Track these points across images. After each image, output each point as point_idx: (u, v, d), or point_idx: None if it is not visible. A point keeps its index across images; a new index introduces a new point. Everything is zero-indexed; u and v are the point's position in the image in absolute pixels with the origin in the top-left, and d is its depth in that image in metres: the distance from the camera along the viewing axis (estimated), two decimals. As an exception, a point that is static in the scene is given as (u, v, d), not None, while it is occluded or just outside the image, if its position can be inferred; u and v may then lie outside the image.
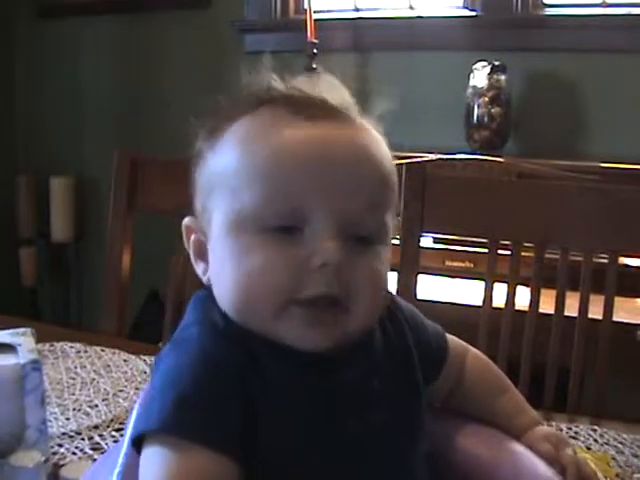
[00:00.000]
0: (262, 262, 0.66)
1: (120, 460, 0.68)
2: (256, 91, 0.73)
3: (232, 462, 0.61)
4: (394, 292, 1.48)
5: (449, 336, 0.85)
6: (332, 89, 0.73)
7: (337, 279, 0.66)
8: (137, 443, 0.64)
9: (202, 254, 0.74)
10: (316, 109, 0.70)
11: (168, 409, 0.62)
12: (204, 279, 0.74)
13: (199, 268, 0.75)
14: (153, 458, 0.62)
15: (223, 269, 0.69)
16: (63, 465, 1.02)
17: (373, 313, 0.70)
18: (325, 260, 0.65)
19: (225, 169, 0.70)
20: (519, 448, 0.75)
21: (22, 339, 0.98)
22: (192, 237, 0.75)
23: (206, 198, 0.72)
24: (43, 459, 0.89)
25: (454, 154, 2.31)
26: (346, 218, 0.67)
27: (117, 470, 0.67)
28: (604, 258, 1.47)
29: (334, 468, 0.67)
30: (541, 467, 0.71)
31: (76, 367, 1.43)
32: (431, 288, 2.09)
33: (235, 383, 0.64)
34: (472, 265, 2.15)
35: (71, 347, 1.52)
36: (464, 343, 0.87)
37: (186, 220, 0.76)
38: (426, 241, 2.12)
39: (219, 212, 0.70)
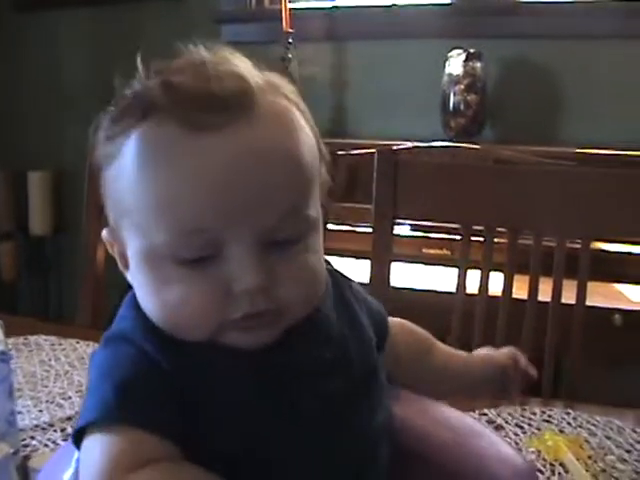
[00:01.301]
0: (182, 295, 0.64)
1: (73, 463, 0.68)
2: (139, 99, 0.66)
3: (171, 445, 0.61)
4: (367, 280, 1.50)
5: None
6: (224, 69, 0.65)
7: (262, 297, 0.64)
8: (78, 442, 0.64)
9: (126, 260, 0.71)
10: (208, 113, 0.62)
11: (105, 398, 0.62)
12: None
13: (128, 276, 0.71)
14: (90, 447, 0.62)
15: (145, 296, 0.67)
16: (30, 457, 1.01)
17: (311, 303, 0.69)
18: (245, 286, 0.63)
19: (128, 201, 0.65)
20: (483, 430, 0.75)
21: (-10, 331, 0.97)
22: (115, 248, 0.72)
23: (116, 218, 0.69)
24: (12, 451, 0.89)
25: (430, 142, 2.31)
26: (262, 232, 0.64)
27: (70, 472, 0.67)
28: (578, 243, 1.47)
29: (293, 445, 0.66)
30: (504, 448, 0.71)
31: (50, 360, 1.42)
32: (408, 276, 2.10)
33: (167, 375, 0.64)
34: (449, 252, 2.15)
35: (45, 340, 1.51)
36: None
37: (104, 233, 0.72)
38: (403, 229, 2.13)
39: (131, 242, 0.67)
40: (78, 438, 0.63)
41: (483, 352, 0.96)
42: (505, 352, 0.95)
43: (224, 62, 0.66)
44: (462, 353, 0.94)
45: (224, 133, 0.62)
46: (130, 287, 0.71)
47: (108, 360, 0.66)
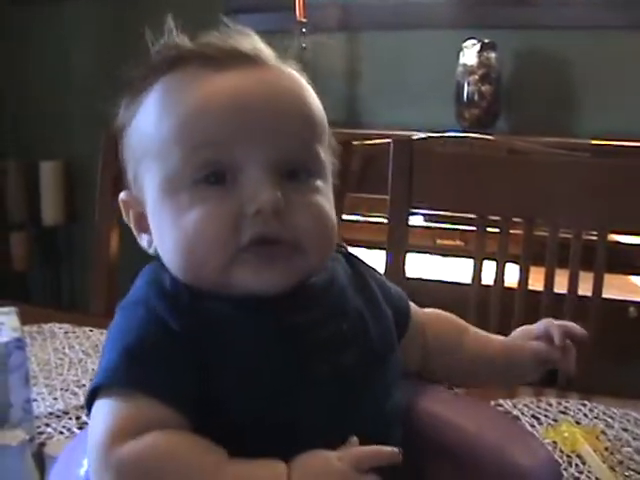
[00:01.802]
0: (199, 217, 0.66)
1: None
2: (166, 53, 0.72)
3: (178, 414, 0.61)
4: (382, 271, 1.49)
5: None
6: (242, 38, 0.72)
7: (276, 221, 0.65)
8: (90, 404, 0.64)
9: (143, 226, 0.73)
10: (228, 59, 0.69)
11: (115, 362, 0.63)
12: (150, 251, 0.74)
13: (143, 241, 0.74)
14: (100, 409, 0.62)
15: (163, 232, 0.69)
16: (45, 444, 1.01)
17: (326, 248, 0.70)
18: (259, 207, 0.65)
19: (150, 133, 0.69)
20: (503, 418, 0.75)
21: (5, 318, 0.97)
22: (131, 212, 0.75)
23: (136, 166, 0.72)
24: (28, 438, 0.89)
25: (444, 132, 2.30)
26: (276, 156, 0.67)
27: (87, 460, 0.66)
28: (594, 235, 1.46)
29: (305, 412, 0.66)
30: (528, 437, 0.70)
31: (64, 348, 1.42)
32: (422, 267, 2.09)
33: (182, 339, 0.64)
34: (463, 243, 2.15)
35: (59, 328, 1.51)
36: (416, 306, 0.87)
37: (122, 195, 0.75)
38: (417, 219, 2.12)
39: (151, 176, 0.70)
40: (90, 402, 0.64)
41: (519, 335, 0.87)
42: (536, 331, 0.85)
43: (244, 35, 0.73)
44: (499, 341, 0.87)
45: (240, 70, 0.68)
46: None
47: (119, 325, 0.67)
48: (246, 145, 0.66)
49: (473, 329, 0.88)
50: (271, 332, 0.66)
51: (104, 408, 0.62)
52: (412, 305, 0.85)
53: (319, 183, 0.70)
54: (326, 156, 0.72)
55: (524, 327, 0.86)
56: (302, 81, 0.73)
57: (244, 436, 0.63)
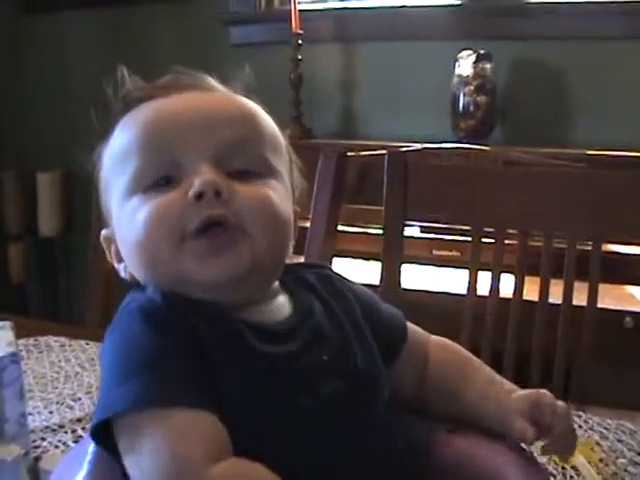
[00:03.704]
0: (147, 213, 0.69)
1: (85, 465, 0.67)
2: (124, 97, 0.78)
3: (212, 414, 0.61)
4: (377, 282, 1.50)
5: (410, 324, 0.84)
6: (192, 76, 0.79)
7: (219, 204, 0.68)
8: (99, 435, 0.63)
9: (119, 256, 0.77)
10: (173, 88, 0.76)
11: (128, 385, 0.62)
12: (127, 276, 0.76)
13: (120, 270, 0.77)
14: (136, 436, 0.60)
15: (124, 238, 0.73)
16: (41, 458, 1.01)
17: (274, 236, 0.71)
18: (200, 189, 0.68)
19: (113, 155, 0.75)
20: (524, 458, 0.73)
21: (0, 333, 0.97)
22: (112, 247, 0.78)
23: (105, 192, 0.77)
24: (23, 452, 0.89)
25: (440, 143, 2.30)
26: (217, 154, 0.71)
27: (82, 474, 0.66)
28: (589, 245, 1.47)
29: (289, 440, 0.66)
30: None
31: (60, 361, 1.42)
32: (418, 277, 2.09)
33: (187, 340, 0.64)
34: (459, 254, 2.15)
35: (55, 341, 1.52)
36: (425, 332, 0.86)
37: (103, 232, 0.79)
38: (413, 230, 2.12)
39: (115, 191, 0.74)
40: (99, 430, 0.62)
41: (512, 403, 0.77)
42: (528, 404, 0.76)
43: (195, 76, 0.80)
44: (495, 402, 0.78)
45: (184, 94, 0.75)
46: (135, 284, 0.74)
47: (119, 344, 0.66)
48: (189, 146, 0.71)
49: (477, 367, 0.83)
50: (250, 361, 0.67)
51: (141, 434, 0.60)
52: (414, 327, 0.85)
53: (269, 181, 0.73)
54: (281, 164, 0.76)
55: (518, 394, 0.78)
56: (246, 101, 0.77)
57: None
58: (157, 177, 0.70)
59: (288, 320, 0.72)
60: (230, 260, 0.68)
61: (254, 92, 0.80)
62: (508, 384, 0.81)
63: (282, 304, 0.75)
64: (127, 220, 0.72)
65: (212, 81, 0.79)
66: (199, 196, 0.68)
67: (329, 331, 0.73)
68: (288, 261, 0.77)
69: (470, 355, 0.85)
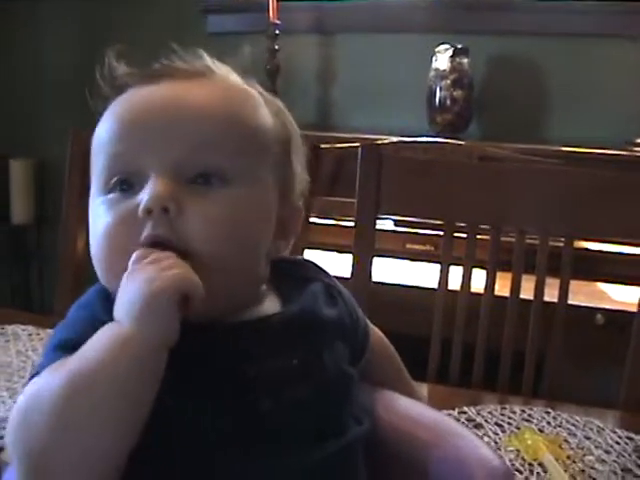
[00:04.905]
0: (103, 226, 0.68)
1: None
2: (112, 82, 0.75)
3: None
4: (349, 275, 1.49)
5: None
6: (191, 58, 0.76)
7: (166, 225, 0.66)
8: None
9: None
10: (159, 76, 0.73)
11: (45, 356, 0.66)
12: None
13: None
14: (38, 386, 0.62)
15: (90, 234, 0.72)
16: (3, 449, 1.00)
17: (228, 259, 0.68)
18: (147, 206, 0.66)
19: (93, 145, 0.74)
20: (461, 430, 0.74)
21: (-37, 321, 0.96)
22: None
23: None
24: (-16, 443, 0.88)
25: (416, 137, 2.30)
26: (179, 156, 0.68)
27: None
28: (561, 242, 1.47)
29: (247, 448, 0.65)
30: (482, 448, 0.70)
31: (27, 350, 1.41)
32: (391, 271, 2.09)
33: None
34: (433, 248, 2.15)
35: (23, 330, 1.50)
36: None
37: None
38: (387, 224, 2.12)
39: (91, 182, 0.73)
40: None
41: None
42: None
43: (193, 56, 0.76)
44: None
45: (160, 85, 0.72)
46: None
47: (60, 324, 0.70)
48: (146, 152, 0.68)
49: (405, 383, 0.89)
50: (211, 357, 0.66)
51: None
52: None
53: (236, 190, 0.69)
54: (263, 168, 0.72)
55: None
56: (227, 95, 0.73)
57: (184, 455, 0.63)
58: (118, 179, 0.69)
59: (266, 320, 0.71)
60: None
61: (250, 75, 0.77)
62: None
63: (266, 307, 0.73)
64: (91, 223, 0.71)
65: (210, 64, 0.76)
66: (148, 212, 0.66)
67: (303, 334, 0.72)
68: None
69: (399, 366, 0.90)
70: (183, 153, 0.68)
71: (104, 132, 0.71)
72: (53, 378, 0.60)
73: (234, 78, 0.76)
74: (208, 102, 0.71)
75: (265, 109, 0.75)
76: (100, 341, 0.61)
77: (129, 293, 0.62)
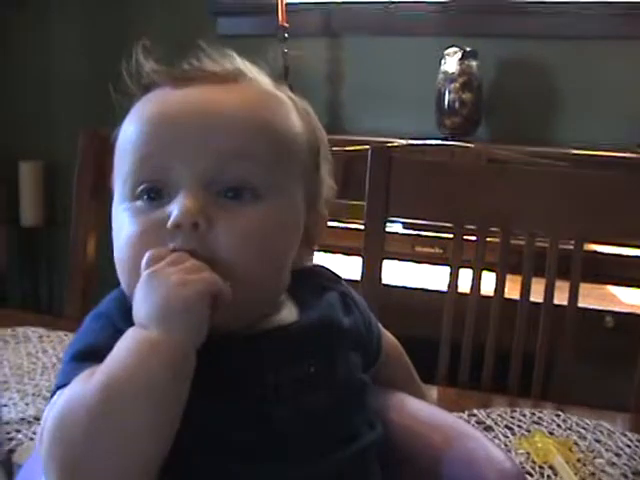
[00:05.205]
0: (129, 235, 0.67)
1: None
2: (139, 79, 0.73)
3: None
4: (358, 277, 1.49)
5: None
6: (222, 59, 0.74)
7: (195, 238, 0.64)
8: None
9: None
10: (191, 79, 0.71)
11: (68, 363, 0.65)
12: None
13: None
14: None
15: (113, 238, 0.70)
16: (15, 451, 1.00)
17: (254, 272, 0.67)
18: (176, 221, 0.64)
19: (118, 146, 0.72)
20: (472, 431, 0.74)
21: (-25, 323, 0.96)
22: None
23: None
24: (-4, 444, 0.88)
25: (425, 140, 2.30)
26: (208, 167, 0.66)
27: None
28: (571, 244, 1.46)
29: (261, 453, 0.65)
30: (494, 450, 0.70)
31: (37, 352, 1.41)
32: (400, 274, 2.09)
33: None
34: (441, 251, 2.15)
35: (33, 332, 1.50)
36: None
37: None
38: (395, 227, 2.12)
39: (115, 185, 0.71)
40: None
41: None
42: None
43: (224, 57, 0.74)
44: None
45: (193, 88, 0.70)
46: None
47: (77, 334, 0.68)
48: (177, 159, 0.66)
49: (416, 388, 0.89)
50: (229, 366, 0.66)
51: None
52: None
53: (267, 206, 0.67)
54: (289, 179, 0.71)
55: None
56: (258, 101, 0.72)
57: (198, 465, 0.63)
58: (145, 187, 0.67)
59: (284, 328, 0.71)
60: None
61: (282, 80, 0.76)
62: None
63: (285, 316, 0.73)
64: (115, 229, 0.70)
65: (241, 66, 0.74)
66: (177, 226, 0.64)
67: (319, 340, 0.72)
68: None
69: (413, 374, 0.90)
70: (215, 164, 0.66)
71: (132, 133, 0.69)
72: (84, 389, 0.59)
73: (264, 81, 0.74)
74: (241, 110, 0.69)
75: (296, 115, 0.73)
76: (128, 348, 0.60)
77: (154, 296, 0.61)
